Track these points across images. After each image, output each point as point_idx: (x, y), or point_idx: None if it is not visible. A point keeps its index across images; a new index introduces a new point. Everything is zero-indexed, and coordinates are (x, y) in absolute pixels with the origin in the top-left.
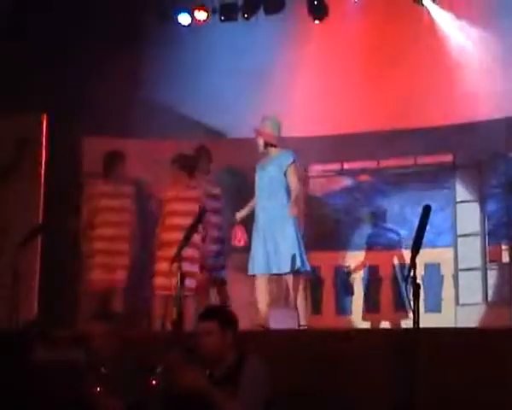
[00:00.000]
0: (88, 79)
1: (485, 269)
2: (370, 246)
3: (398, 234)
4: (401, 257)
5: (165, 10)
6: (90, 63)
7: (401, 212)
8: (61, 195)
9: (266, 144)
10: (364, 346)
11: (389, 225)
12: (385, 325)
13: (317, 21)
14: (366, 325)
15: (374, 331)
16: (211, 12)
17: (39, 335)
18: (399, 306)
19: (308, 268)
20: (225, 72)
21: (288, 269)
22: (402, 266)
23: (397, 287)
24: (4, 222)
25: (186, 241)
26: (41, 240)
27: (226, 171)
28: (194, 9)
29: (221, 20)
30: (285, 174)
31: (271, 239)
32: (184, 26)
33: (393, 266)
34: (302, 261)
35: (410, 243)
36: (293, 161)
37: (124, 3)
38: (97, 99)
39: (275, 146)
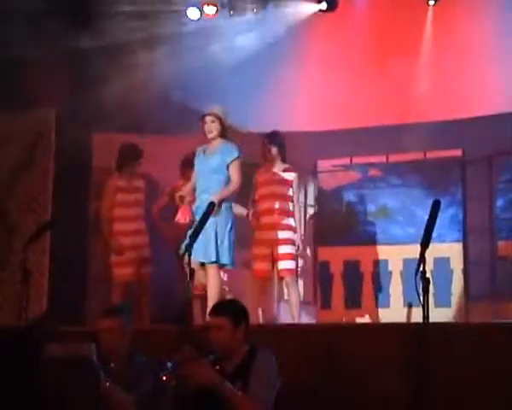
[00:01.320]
0: (98, 75)
1: (495, 264)
2: (379, 241)
3: (407, 229)
4: (410, 252)
5: (175, 5)
6: (101, 57)
7: (410, 206)
8: (70, 191)
9: (223, 132)
10: (374, 340)
11: (398, 220)
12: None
13: (327, 11)
14: (374, 319)
15: (383, 326)
16: (220, 6)
17: (49, 331)
18: (408, 300)
19: (226, 261)
20: (234, 66)
21: (200, 258)
22: (411, 260)
23: (406, 282)
24: (14, 218)
25: (197, 235)
26: (50, 236)
27: None
28: (204, 4)
29: (230, 14)
30: (227, 168)
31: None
32: (193, 20)
33: (402, 261)
34: (216, 255)
35: (420, 237)
36: (238, 157)
37: None
38: (108, 95)
39: (223, 136)
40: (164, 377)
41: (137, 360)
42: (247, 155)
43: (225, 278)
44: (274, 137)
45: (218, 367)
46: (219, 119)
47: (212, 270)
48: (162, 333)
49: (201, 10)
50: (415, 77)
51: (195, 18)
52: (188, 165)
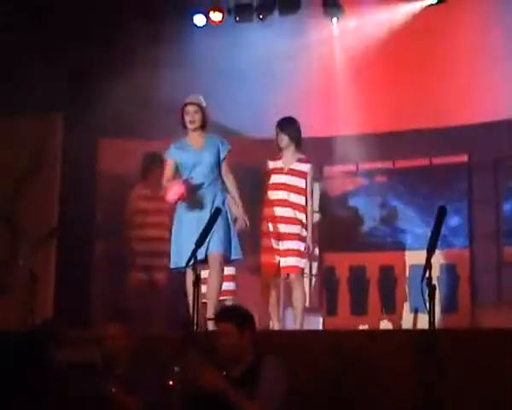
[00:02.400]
0: (104, 80)
1: (501, 270)
2: (386, 247)
3: (413, 235)
4: (416, 258)
5: (181, 11)
6: (106, 64)
7: (416, 212)
8: (76, 196)
9: (203, 122)
10: (380, 347)
11: (404, 226)
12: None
13: (333, 20)
14: (381, 325)
15: (389, 332)
16: (226, 13)
17: (55, 336)
18: (413, 307)
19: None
20: (240, 72)
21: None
22: (417, 266)
23: (412, 288)
24: (20, 224)
25: (203, 241)
26: (56, 241)
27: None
28: (210, 10)
29: (236, 20)
30: (221, 162)
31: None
32: (199, 27)
33: (409, 267)
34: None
35: (426, 243)
36: (230, 149)
37: (141, 5)
38: (114, 100)
39: (203, 128)
40: (170, 382)
41: (143, 366)
42: (251, 160)
43: (232, 287)
44: (285, 124)
45: (224, 373)
46: (202, 109)
47: (214, 260)
48: (168, 339)
49: (207, 17)
50: (421, 83)
51: (201, 24)
52: (150, 162)
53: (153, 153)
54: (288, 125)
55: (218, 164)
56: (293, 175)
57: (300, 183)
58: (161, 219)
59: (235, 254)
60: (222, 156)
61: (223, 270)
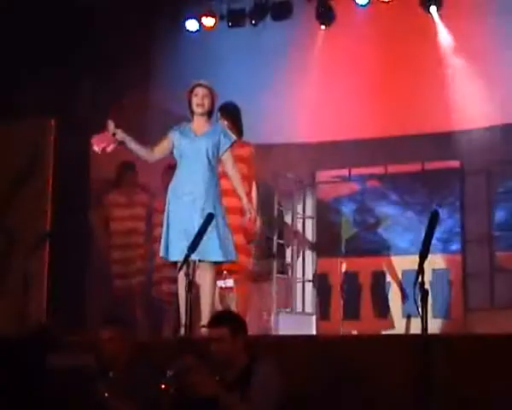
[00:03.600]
0: (98, 85)
1: (493, 275)
2: (378, 252)
3: (405, 240)
4: (409, 263)
5: (174, 17)
6: (100, 69)
7: (409, 217)
8: (68, 201)
9: (211, 108)
10: (372, 352)
11: (397, 231)
12: (393, 331)
13: (323, 27)
14: (373, 330)
15: (382, 337)
16: (218, 18)
17: (49, 340)
18: (406, 312)
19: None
20: (233, 78)
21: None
22: (409, 272)
23: (404, 293)
24: (13, 228)
25: (195, 247)
26: (49, 246)
27: None
28: (202, 16)
29: (229, 26)
30: (220, 156)
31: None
32: (192, 32)
33: (401, 272)
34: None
35: (418, 248)
36: (235, 141)
37: (134, 11)
38: (107, 105)
39: (208, 115)
40: (163, 386)
41: (137, 370)
42: None
43: (230, 284)
44: (225, 109)
45: (217, 378)
46: (212, 94)
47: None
48: (163, 344)
49: (200, 22)
50: (413, 89)
51: (194, 29)
52: (124, 169)
53: (124, 161)
54: (226, 109)
55: (217, 157)
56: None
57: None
58: (136, 226)
59: (230, 255)
60: (222, 149)
61: (214, 279)
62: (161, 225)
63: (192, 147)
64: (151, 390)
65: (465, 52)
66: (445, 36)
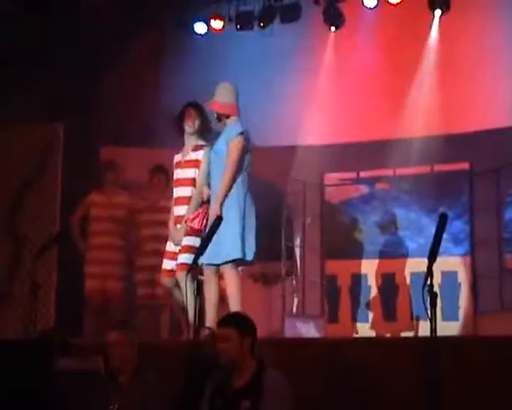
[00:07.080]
0: (106, 89)
1: (503, 277)
2: (387, 254)
3: (414, 242)
4: (417, 265)
5: (182, 19)
6: (108, 73)
7: (418, 220)
8: (77, 205)
9: (220, 117)
10: (381, 354)
11: (406, 234)
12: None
13: (333, 29)
14: (382, 333)
15: (391, 340)
16: (227, 21)
17: (58, 344)
18: (415, 315)
19: (249, 257)
20: (241, 81)
21: (221, 259)
22: (418, 274)
23: (413, 295)
24: (22, 234)
25: (204, 249)
26: (58, 249)
27: None
28: (210, 18)
29: (237, 28)
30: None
31: None
32: (200, 34)
33: (410, 275)
34: (243, 250)
35: (427, 251)
36: (242, 133)
37: (142, 15)
38: (116, 109)
39: (228, 116)
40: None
41: (145, 375)
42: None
43: None
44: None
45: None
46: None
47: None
48: (172, 348)
49: (208, 25)
50: (421, 91)
51: (202, 32)
52: (105, 170)
53: (105, 160)
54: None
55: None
56: (185, 168)
57: (193, 174)
58: (114, 227)
59: (248, 255)
60: (229, 141)
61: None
62: (144, 227)
63: (211, 151)
64: (161, 397)
65: (475, 53)
66: (455, 38)
